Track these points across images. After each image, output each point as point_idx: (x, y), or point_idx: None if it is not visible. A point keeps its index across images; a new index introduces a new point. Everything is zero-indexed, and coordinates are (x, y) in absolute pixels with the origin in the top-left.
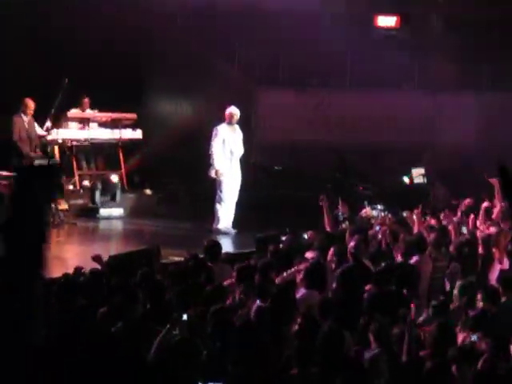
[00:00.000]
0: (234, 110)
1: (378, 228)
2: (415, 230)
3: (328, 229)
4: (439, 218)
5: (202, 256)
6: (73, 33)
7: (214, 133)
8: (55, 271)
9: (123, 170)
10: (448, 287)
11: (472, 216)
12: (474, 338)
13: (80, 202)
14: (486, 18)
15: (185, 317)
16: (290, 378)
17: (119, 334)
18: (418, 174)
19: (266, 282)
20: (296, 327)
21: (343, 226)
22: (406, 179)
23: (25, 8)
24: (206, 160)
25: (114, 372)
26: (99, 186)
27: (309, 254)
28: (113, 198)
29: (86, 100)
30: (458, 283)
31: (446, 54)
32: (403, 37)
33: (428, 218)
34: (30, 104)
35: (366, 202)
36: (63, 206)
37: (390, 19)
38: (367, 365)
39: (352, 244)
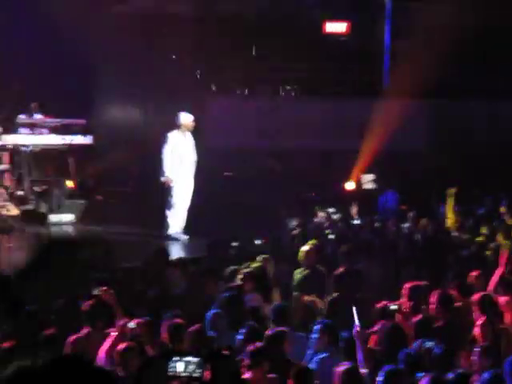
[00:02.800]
0: (186, 118)
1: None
2: None
3: None
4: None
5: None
6: (20, 37)
7: (163, 140)
8: None
9: (74, 176)
10: None
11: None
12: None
13: (30, 207)
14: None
15: (131, 324)
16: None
17: None
18: (367, 180)
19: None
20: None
21: (294, 232)
22: (349, 185)
23: None
24: (156, 166)
25: None
26: (50, 191)
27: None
28: (63, 204)
29: (35, 105)
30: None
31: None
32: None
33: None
34: None
35: (317, 207)
36: (13, 211)
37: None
38: None
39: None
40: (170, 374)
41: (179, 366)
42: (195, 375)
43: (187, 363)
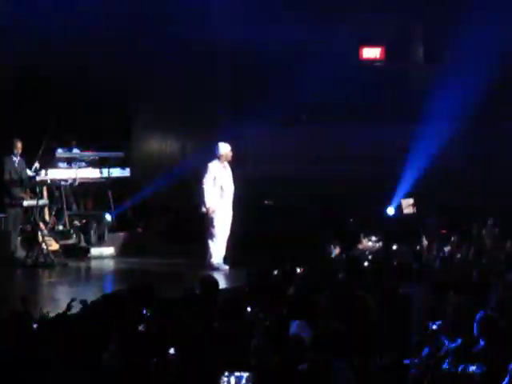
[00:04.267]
0: (224, 148)
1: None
2: None
3: None
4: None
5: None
6: (59, 72)
7: (204, 170)
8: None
9: (113, 209)
10: None
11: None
12: None
13: (70, 242)
14: None
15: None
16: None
17: None
18: (407, 205)
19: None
20: None
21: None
22: (390, 210)
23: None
24: (196, 197)
25: None
26: (89, 225)
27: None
28: (103, 238)
29: (73, 139)
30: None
31: None
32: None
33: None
34: (18, 143)
35: (362, 234)
36: (54, 246)
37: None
38: None
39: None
40: None
41: (230, 381)
42: None
43: (238, 378)
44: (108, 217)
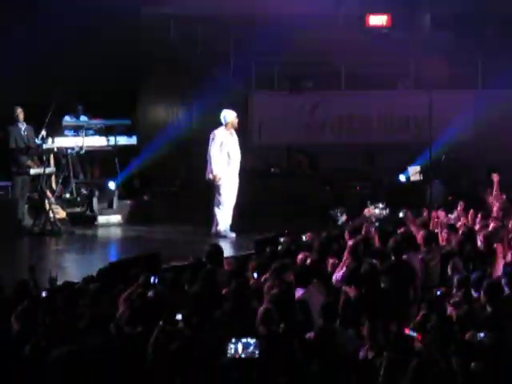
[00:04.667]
0: (230, 115)
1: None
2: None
3: None
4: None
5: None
6: (64, 42)
7: (211, 137)
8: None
9: (120, 177)
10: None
11: (471, 212)
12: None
13: (78, 210)
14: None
15: (179, 316)
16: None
17: None
18: (414, 172)
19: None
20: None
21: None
22: (402, 177)
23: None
24: (203, 164)
25: None
26: (96, 193)
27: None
28: (110, 205)
29: (80, 107)
30: (456, 278)
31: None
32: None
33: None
34: (18, 110)
35: (368, 202)
36: (61, 214)
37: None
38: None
39: (350, 243)
40: (229, 355)
41: (238, 348)
42: (253, 356)
43: (245, 344)
44: (112, 185)
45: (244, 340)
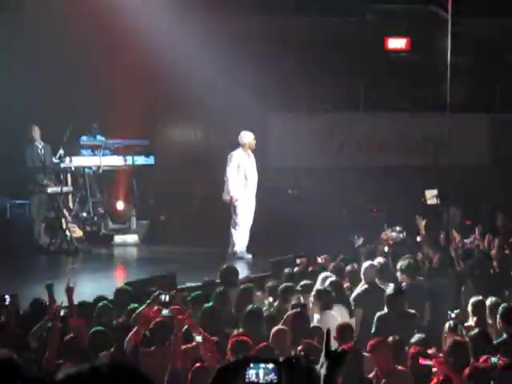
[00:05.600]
0: (248, 136)
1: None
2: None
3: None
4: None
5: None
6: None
7: (229, 158)
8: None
9: (137, 197)
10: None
11: (487, 236)
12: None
13: (94, 229)
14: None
15: (199, 338)
16: None
17: None
18: (431, 196)
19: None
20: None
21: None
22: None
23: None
24: (220, 184)
25: None
26: (113, 213)
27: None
28: (127, 225)
29: (97, 126)
30: (471, 301)
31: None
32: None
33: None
34: (34, 129)
35: (385, 225)
36: (78, 233)
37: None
38: None
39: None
40: (248, 381)
41: (256, 373)
42: (273, 381)
43: (265, 370)
44: (131, 205)
45: (263, 365)
